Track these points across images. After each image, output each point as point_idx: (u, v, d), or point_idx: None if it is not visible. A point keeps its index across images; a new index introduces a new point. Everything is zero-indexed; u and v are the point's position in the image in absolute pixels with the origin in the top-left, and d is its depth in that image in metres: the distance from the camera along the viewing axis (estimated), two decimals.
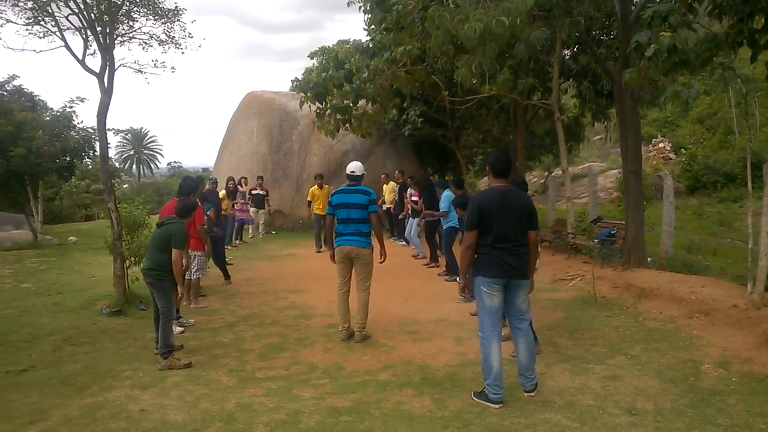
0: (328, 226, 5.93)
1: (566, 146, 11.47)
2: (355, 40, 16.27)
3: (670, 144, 26.29)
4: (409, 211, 11.42)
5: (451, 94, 12.99)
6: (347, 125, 12.35)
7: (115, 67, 7.51)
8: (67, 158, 14.45)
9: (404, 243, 12.34)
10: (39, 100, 16.78)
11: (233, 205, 12.37)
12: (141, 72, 8.35)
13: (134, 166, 68.48)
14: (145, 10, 7.90)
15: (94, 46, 7.44)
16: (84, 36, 7.43)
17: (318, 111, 12.39)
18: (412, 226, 11.17)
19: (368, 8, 12.19)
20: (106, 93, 7.40)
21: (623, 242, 8.47)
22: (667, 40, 4.82)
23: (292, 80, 22.15)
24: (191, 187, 6.73)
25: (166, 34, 8.23)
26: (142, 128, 70.83)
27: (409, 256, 11.14)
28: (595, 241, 8.61)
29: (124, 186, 39.19)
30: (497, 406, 3.94)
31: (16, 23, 7.46)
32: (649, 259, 8.28)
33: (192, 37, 8.44)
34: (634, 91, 8.00)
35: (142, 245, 6.90)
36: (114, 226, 7.21)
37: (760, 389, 4.12)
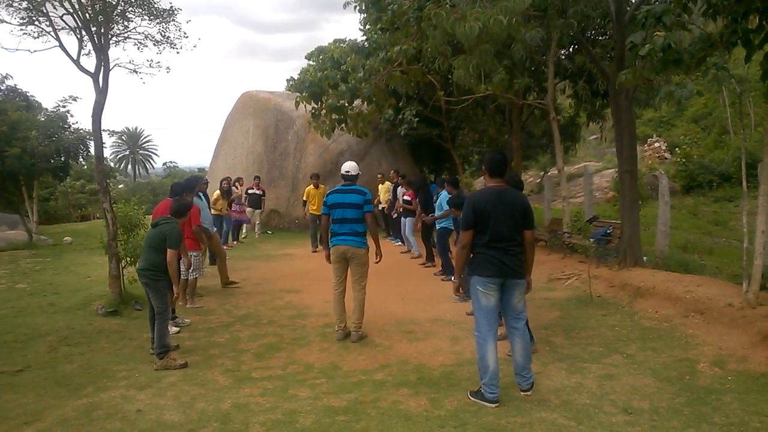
0: (323, 226, 5.93)
1: (562, 146, 11.51)
2: (350, 39, 16.27)
3: (665, 144, 26.35)
4: (400, 210, 11.48)
5: (446, 93, 13.01)
6: (343, 125, 12.35)
7: (110, 67, 7.49)
8: (62, 158, 14.40)
9: (400, 242, 12.37)
10: (34, 100, 16.73)
11: (229, 206, 12.34)
12: (136, 72, 8.33)
13: (129, 167, 68.33)
14: (140, 10, 7.87)
15: (89, 46, 7.42)
16: (79, 36, 7.39)
17: (313, 111, 12.38)
18: (407, 225, 11.19)
19: (364, 8, 12.19)
20: (101, 93, 7.37)
21: (619, 241, 8.49)
22: (661, 40, 4.84)
23: (287, 80, 22.16)
24: (184, 187, 6.76)
25: (161, 34, 8.21)
26: (137, 128, 70.76)
27: (406, 256, 11.15)
28: (591, 240, 8.63)
29: (120, 186, 39.07)
30: (493, 405, 3.95)
31: (10, 23, 7.43)
32: (644, 258, 8.31)
33: (187, 37, 8.44)
34: (629, 91, 8.02)
35: (137, 245, 6.88)
36: (109, 226, 7.18)
37: (755, 387, 4.13)
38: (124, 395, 4.40)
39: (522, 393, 4.14)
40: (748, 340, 4.91)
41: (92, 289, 8.16)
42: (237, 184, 13.32)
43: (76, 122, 15.00)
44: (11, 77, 16.18)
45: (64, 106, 14.58)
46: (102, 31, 7.32)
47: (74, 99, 14.71)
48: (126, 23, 7.90)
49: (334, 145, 16.09)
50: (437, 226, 9.00)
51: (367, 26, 13.66)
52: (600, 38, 11.53)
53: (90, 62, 7.46)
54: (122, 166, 65.78)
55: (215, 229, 8.94)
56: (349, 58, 12.31)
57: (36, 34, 7.56)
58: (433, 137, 16.26)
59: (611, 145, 21.78)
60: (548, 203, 13.94)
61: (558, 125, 10.75)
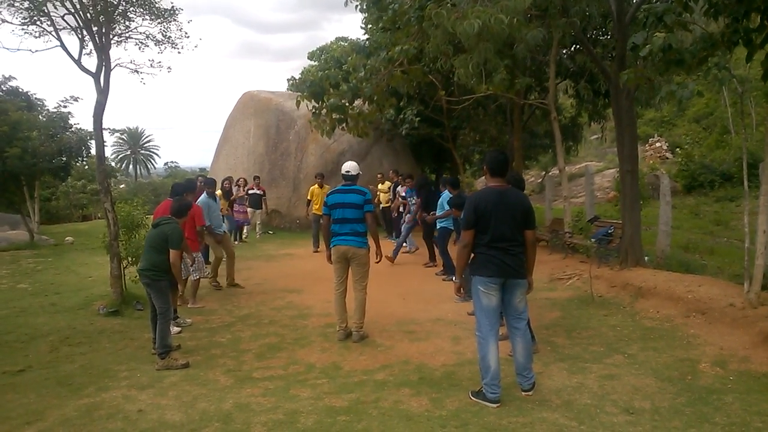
0: (324, 226, 5.92)
1: (564, 146, 11.50)
2: (352, 39, 16.27)
3: (666, 143, 26.34)
4: (400, 208, 11.49)
5: (448, 93, 12.99)
6: (344, 125, 12.33)
7: (112, 67, 7.50)
8: (63, 158, 14.43)
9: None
10: (36, 100, 16.74)
11: (231, 206, 12.32)
12: (137, 72, 8.34)
13: (131, 167, 68.36)
14: (142, 10, 7.88)
15: (90, 46, 7.42)
16: (80, 36, 7.40)
17: (314, 110, 12.37)
18: (406, 221, 11.20)
19: (365, 7, 12.19)
20: (102, 93, 7.37)
21: (620, 241, 8.48)
22: (660, 41, 4.84)
23: (288, 79, 22.12)
24: (185, 187, 6.77)
25: (162, 34, 8.22)
26: (138, 128, 70.78)
27: (406, 256, 11.14)
28: (592, 240, 8.63)
29: (121, 186, 39.11)
30: (495, 405, 3.95)
31: (11, 23, 7.44)
32: (646, 258, 8.30)
33: (188, 36, 8.48)
34: (631, 91, 8.02)
35: (139, 245, 6.88)
36: (111, 226, 7.19)
37: (757, 387, 4.13)
38: (125, 395, 4.41)
39: (523, 393, 4.14)
40: (749, 340, 4.90)
41: (94, 289, 8.17)
42: (240, 183, 13.32)
43: (78, 122, 15.04)
44: (15, 78, 16.13)
45: (65, 106, 14.62)
46: (103, 30, 7.33)
47: (75, 99, 14.75)
48: (127, 23, 7.91)
49: (335, 145, 16.08)
50: (438, 225, 8.99)
51: (369, 26, 13.67)
52: (601, 38, 11.52)
53: (91, 62, 7.48)
54: (123, 166, 65.81)
55: (224, 229, 8.86)
56: (350, 58, 12.32)
57: (37, 34, 7.57)
58: (434, 137, 16.24)
59: (612, 145, 21.80)
60: (549, 203, 13.95)
61: (559, 125, 10.76)
